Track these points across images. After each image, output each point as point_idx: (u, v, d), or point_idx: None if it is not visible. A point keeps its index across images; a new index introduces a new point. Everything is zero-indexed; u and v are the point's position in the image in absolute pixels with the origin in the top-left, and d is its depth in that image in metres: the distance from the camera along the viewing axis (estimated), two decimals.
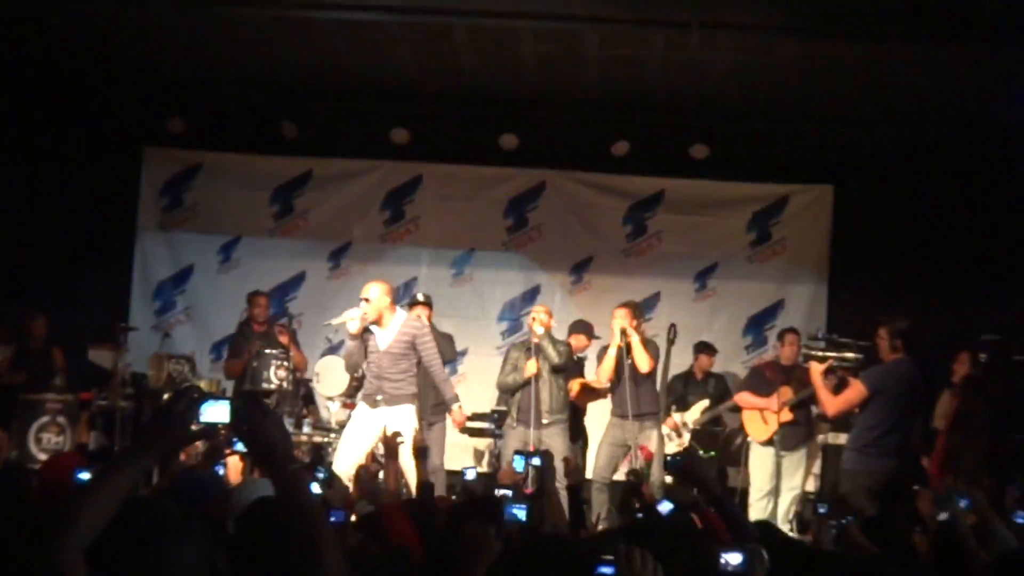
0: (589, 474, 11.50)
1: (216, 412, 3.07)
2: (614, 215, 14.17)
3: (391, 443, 7.57)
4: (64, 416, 12.15)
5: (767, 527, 5.78)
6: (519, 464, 6.98)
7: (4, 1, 10.76)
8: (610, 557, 3.31)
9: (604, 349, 11.37)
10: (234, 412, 3.04)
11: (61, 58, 12.59)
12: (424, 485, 7.11)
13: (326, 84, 13.04)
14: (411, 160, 14.09)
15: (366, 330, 10.01)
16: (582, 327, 12.14)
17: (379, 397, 9.95)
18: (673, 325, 11.73)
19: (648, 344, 11.17)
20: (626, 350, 10.97)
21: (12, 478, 6.05)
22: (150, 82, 13.23)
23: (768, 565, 4.80)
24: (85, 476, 5.02)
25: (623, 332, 10.97)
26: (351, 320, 9.98)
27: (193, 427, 3.09)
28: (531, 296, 14.10)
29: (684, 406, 12.58)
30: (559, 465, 8.93)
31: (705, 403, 12.48)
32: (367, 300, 9.97)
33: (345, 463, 9.63)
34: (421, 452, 7.60)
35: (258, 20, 11.21)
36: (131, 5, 10.67)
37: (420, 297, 11.73)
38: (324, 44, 11.77)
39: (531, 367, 10.93)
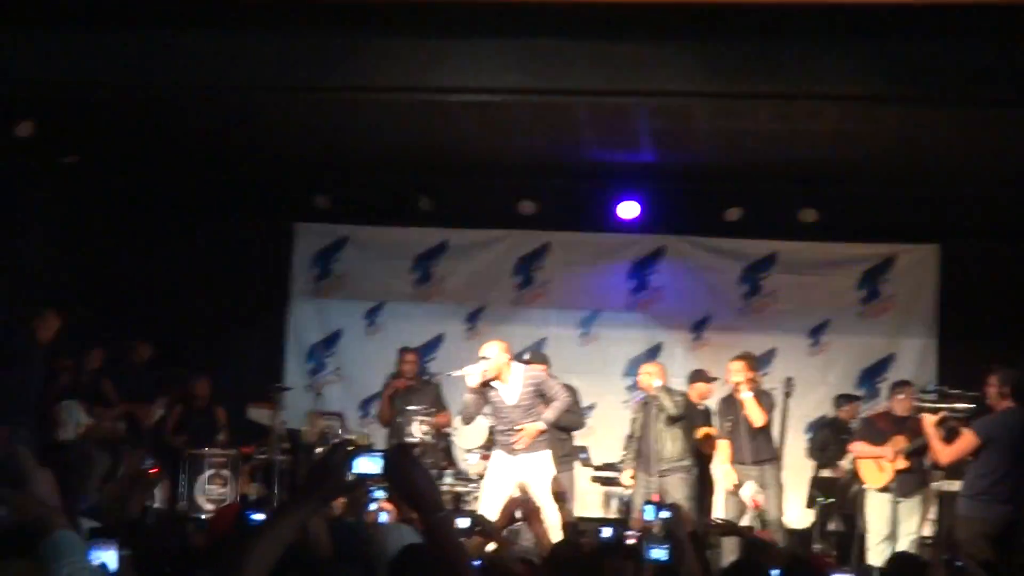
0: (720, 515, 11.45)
1: (369, 463, 3.10)
2: (730, 276, 14.12)
3: (560, 490, 7.57)
4: (227, 469, 12.37)
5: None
6: (650, 513, 6.92)
7: (172, 94, 11.03)
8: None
9: (724, 400, 11.34)
10: (386, 463, 3.07)
11: (220, 145, 12.90)
12: (570, 526, 7.09)
13: (458, 160, 13.19)
14: (538, 229, 14.19)
15: (485, 385, 10.06)
16: (699, 375, 12.17)
17: (518, 446, 9.98)
18: (790, 378, 11.62)
19: (762, 396, 11.09)
20: (739, 404, 10.95)
21: (182, 527, 6.15)
22: (299, 163, 13.50)
23: None
24: (257, 516, 5.09)
25: (736, 385, 10.97)
26: (471, 375, 10.05)
27: (348, 478, 3.12)
28: (653, 352, 14.04)
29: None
30: None
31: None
32: (486, 358, 10.05)
33: (490, 509, 9.66)
34: (560, 496, 7.57)
35: (396, 104, 11.40)
36: (280, 93, 10.88)
37: (526, 356, 11.74)
38: (456, 124, 11.93)
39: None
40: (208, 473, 12.32)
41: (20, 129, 11.48)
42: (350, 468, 3.12)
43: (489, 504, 9.84)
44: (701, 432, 11.77)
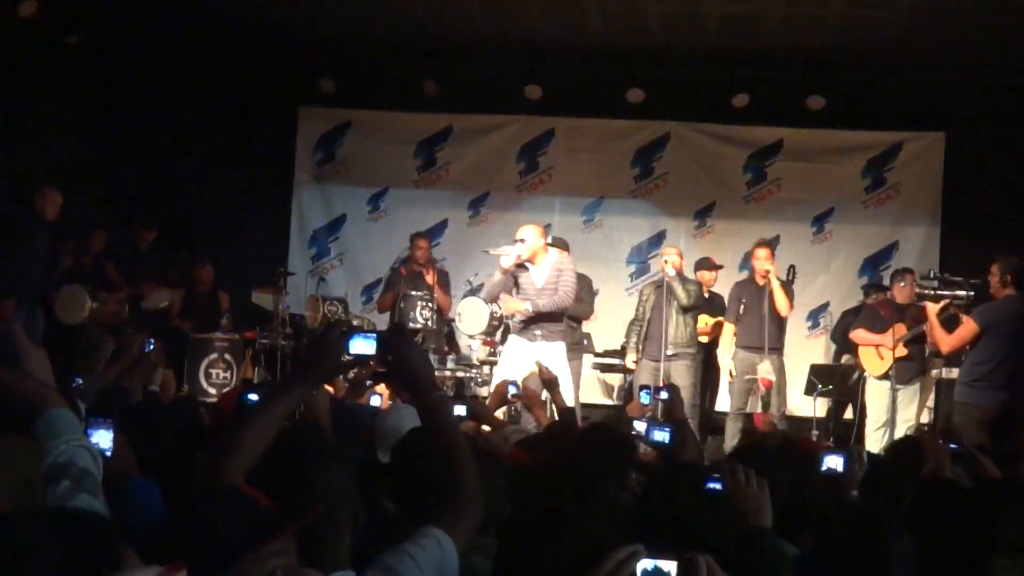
0: (724, 406, 11.50)
1: (364, 344, 3.09)
2: (735, 164, 14.03)
3: (550, 378, 7.61)
4: (230, 354, 12.40)
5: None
6: (645, 398, 6.94)
7: None
8: (718, 474, 3.37)
9: (738, 284, 11.36)
10: (381, 343, 3.05)
11: (223, 27, 12.74)
12: (567, 411, 7.12)
13: (464, 45, 13.05)
14: (544, 115, 14.07)
15: (519, 266, 10.03)
16: (706, 263, 12.16)
17: (538, 332, 9.98)
18: (792, 266, 11.60)
19: (786, 286, 11.10)
20: (767, 290, 10.93)
21: (185, 409, 6.17)
22: (303, 46, 13.37)
23: (866, 466, 4.73)
24: (253, 397, 5.10)
25: (766, 275, 10.94)
26: (506, 256, 9.98)
27: (344, 358, 3.11)
28: (657, 240, 14.05)
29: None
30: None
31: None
32: (523, 240, 9.98)
33: None
34: (551, 383, 7.60)
35: None
36: None
37: (550, 239, 11.68)
38: (462, 6, 11.76)
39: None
40: (212, 357, 12.36)
41: (22, 9, 11.33)
42: (346, 349, 3.11)
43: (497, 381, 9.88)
44: (707, 321, 11.80)
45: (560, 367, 9.48)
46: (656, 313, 11.06)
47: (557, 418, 7.28)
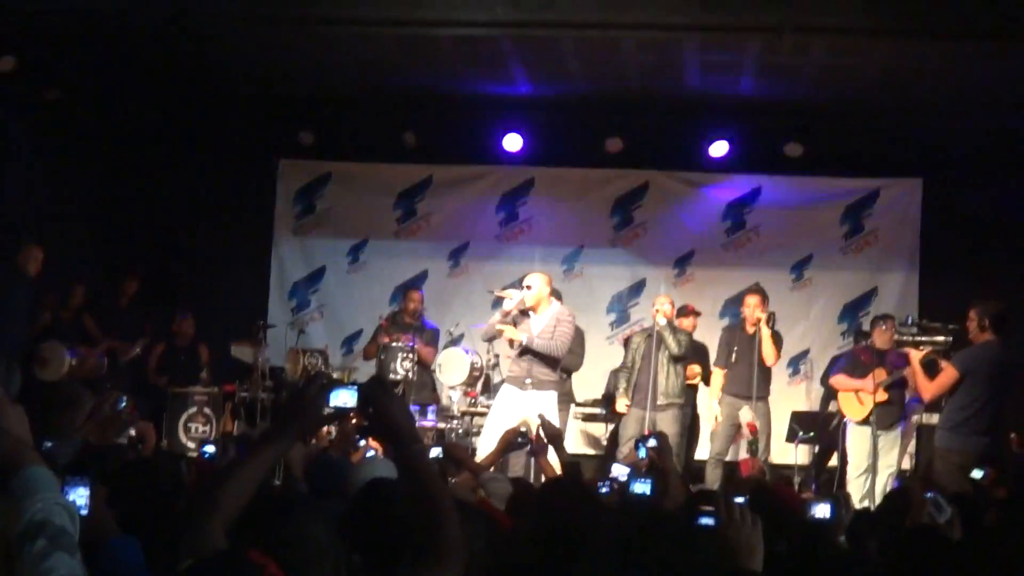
0: (703, 453, 11.50)
1: (345, 397, 3.07)
2: (713, 211, 14.05)
3: (555, 432, 7.56)
4: (210, 407, 12.36)
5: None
6: (643, 452, 6.88)
7: (152, 24, 10.89)
8: (710, 508, 3.24)
9: (728, 330, 11.39)
10: (362, 396, 3.04)
11: (204, 79, 12.77)
12: (570, 465, 7.10)
13: (444, 96, 13.09)
14: (523, 165, 14.09)
15: (522, 313, 10.07)
16: (684, 310, 12.19)
17: (528, 380, 10.01)
18: (772, 313, 11.61)
19: (776, 338, 11.16)
20: (756, 338, 10.96)
21: (166, 465, 6.11)
22: (284, 99, 13.39)
23: (852, 512, 4.73)
24: (210, 449, 5.06)
25: (757, 323, 10.98)
26: (510, 299, 10.03)
27: (325, 411, 3.10)
28: (637, 289, 14.05)
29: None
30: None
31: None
32: (529, 287, 10.03)
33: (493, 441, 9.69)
34: (555, 438, 7.56)
35: (381, 38, 11.30)
36: (264, 24, 10.74)
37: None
38: (443, 60, 11.83)
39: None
40: (191, 411, 12.31)
41: (1, 64, 11.35)
42: (326, 402, 3.10)
43: (492, 436, 9.84)
44: (694, 370, 11.81)
45: (551, 417, 9.50)
46: (645, 362, 11.08)
47: (560, 470, 7.27)
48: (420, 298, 12.61)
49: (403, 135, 13.60)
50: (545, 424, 7.65)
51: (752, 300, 11.15)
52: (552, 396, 10.01)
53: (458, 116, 13.50)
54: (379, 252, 14.45)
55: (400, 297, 12.48)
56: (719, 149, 13.32)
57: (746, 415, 10.90)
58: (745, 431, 10.85)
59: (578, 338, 11.42)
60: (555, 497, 4.78)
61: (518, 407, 9.94)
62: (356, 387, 3.06)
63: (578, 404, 12.86)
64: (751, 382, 10.83)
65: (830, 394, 12.11)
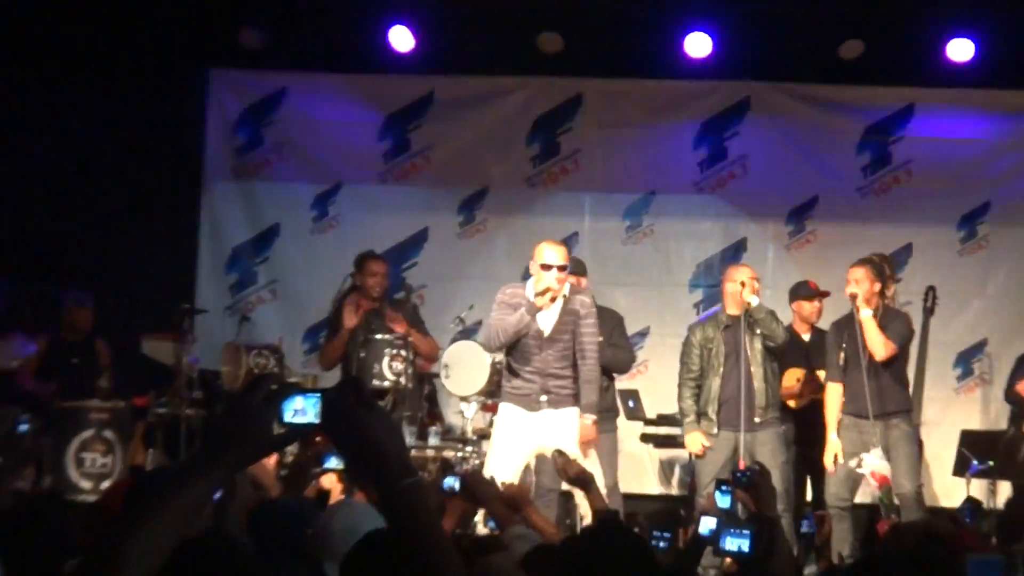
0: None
1: (304, 408, 3.05)
2: (845, 141, 14.02)
3: (580, 474, 7.56)
4: (112, 429, 12.33)
5: None
6: (724, 500, 6.80)
7: None
8: None
9: (837, 325, 11.26)
10: (329, 407, 3.01)
11: None
12: (605, 516, 7.06)
13: None
14: (567, 75, 14.08)
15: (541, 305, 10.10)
16: (804, 290, 12.05)
17: (543, 398, 10.11)
18: (931, 288, 11.55)
19: (893, 318, 11.03)
20: (859, 327, 10.88)
21: (47, 514, 6.06)
22: None
23: None
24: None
25: (853, 300, 10.90)
26: (551, 290, 10.01)
27: (274, 430, 3.08)
28: (734, 254, 14.05)
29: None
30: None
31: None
32: (557, 266, 10.01)
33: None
34: (583, 482, 7.55)
35: None
36: None
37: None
38: None
39: (694, 444, 10.87)
40: (86, 435, 12.29)
41: None
42: (278, 416, 3.07)
43: (496, 476, 9.82)
44: (798, 376, 11.75)
45: (573, 444, 9.62)
46: (731, 363, 11.04)
47: (590, 522, 7.26)
48: (383, 271, 12.45)
49: (392, 32, 13.57)
50: (564, 467, 7.67)
51: (855, 273, 11.03)
52: (572, 414, 10.13)
53: (471, 5, 13.47)
54: (357, 202, 14.50)
55: (359, 269, 12.35)
56: (852, 49, 13.27)
57: (872, 461, 10.78)
58: (870, 481, 10.76)
59: (613, 320, 11.51)
60: (577, 557, 4.76)
61: (528, 434, 10.07)
62: (320, 394, 3.03)
63: (648, 422, 12.84)
64: (870, 394, 10.76)
65: (1019, 408, 12.06)
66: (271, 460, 7.42)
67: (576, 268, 11.29)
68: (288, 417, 3.04)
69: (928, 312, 11.41)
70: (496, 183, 14.41)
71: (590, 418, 10.21)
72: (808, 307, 12.07)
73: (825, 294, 12.15)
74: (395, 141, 14.45)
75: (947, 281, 12.57)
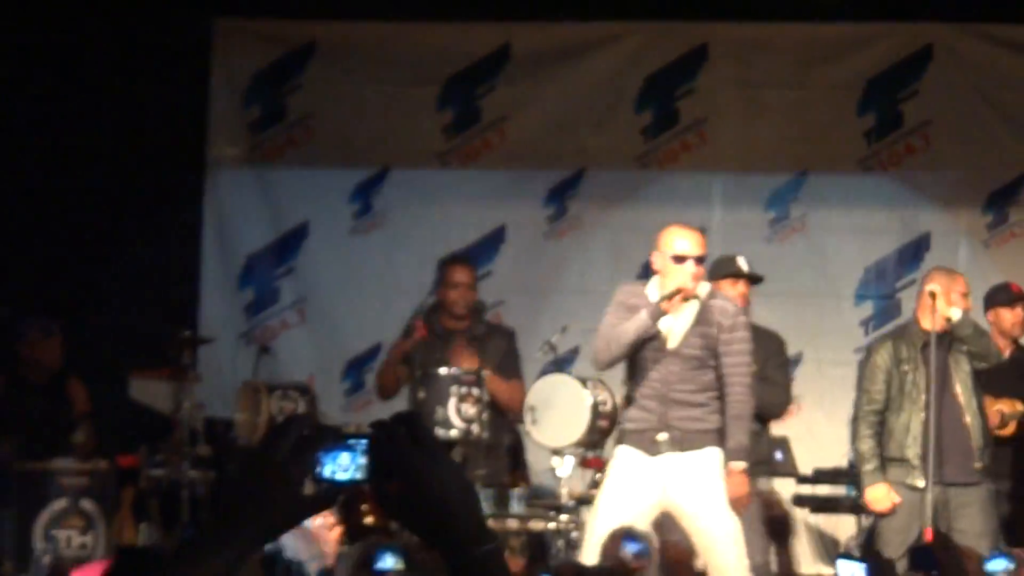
0: None
1: (348, 460, 3.06)
2: None
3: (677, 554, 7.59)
4: (92, 498, 12.42)
5: None
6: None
7: None
8: None
9: None
10: (377, 454, 3.03)
11: None
12: None
13: None
14: (687, 19, 14.12)
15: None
16: (1005, 296, 12.00)
17: (662, 436, 10.03)
18: None
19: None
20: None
21: None
22: None
23: None
24: None
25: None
26: (683, 290, 10.00)
27: (309, 488, 3.10)
28: (915, 253, 13.99)
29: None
30: None
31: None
32: (700, 260, 10.02)
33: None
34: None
35: None
36: None
37: (744, 266, 11.63)
38: None
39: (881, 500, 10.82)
40: (56, 507, 12.40)
41: None
42: (315, 469, 3.10)
43: (601, 537, 9.76)
44: (997, 405, 11.72)
45: (716, 497, 9.59)
46: (930, 399, 10.99)
47: None
48: (472, 279, 12.52)
49: None
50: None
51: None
52: (713, 457, 10.05)
53: None
54: (412, 192, 14.58)
55: (439, 278, 12.40)
56: None
57: None
58: None
59: (772, 345, 11.47)
60: None
61: (645, 485, 10.01)
62: (367, 440, 3.05)
63: (802, 479, 12.82)
64: None
65: None
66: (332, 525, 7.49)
67: (746, 272, 11.31)
68: (327, 472, 3.06)
69: None
70: (595, 164, 14.43)
71: (740, 465, 10.07)
72: (1010, 316, 12.01)
73: None
74: (460, 111, 14.49)
75: None
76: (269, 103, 14.64)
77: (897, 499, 10.89)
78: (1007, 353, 11.86)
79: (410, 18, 14.30)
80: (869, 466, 11.05)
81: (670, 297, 9.90)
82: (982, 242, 14.00)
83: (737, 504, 10.04)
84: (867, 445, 11.10)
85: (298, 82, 14.61)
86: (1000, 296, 12.07)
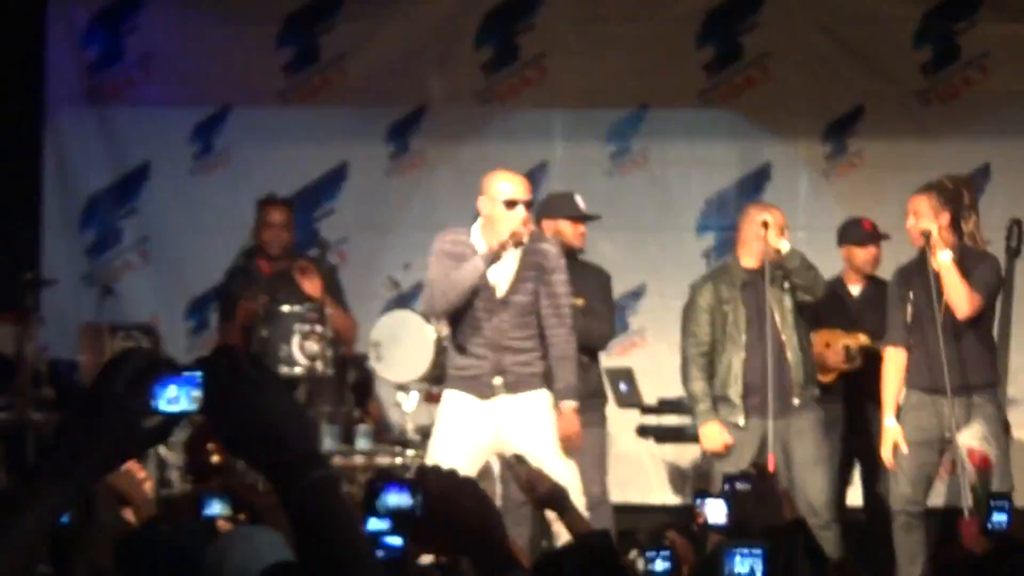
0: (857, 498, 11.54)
1: (184, 391, 3.06)
2: (899, 30, 14.07)
3: (551, 490, 7.50)
4: None
5: None
6: (717, 511, 6.79)
7: None
8: None
9: (903, 272, 11.30)
10: (211, 383, 3.03)
11: None
12: (596, 539, 7.06)
13: None
14: None
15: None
16: (856, 233, 12.06)
17: (496, 381, 10.04)
18: (1016, 223, 11.63)
19: (977, 262, 11.04)
20: (933, 276, 10.88)
21: None
22: None
23: None
24: None
25: (927, 239, 10.87)
26: (517, 234, 9.95)
27: (147, 420, 3.09)
28: (755, 184, 14.10)
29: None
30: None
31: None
32: (529, 204, 10.01)
33: None
34: (556, 499, 7.52)
35: None
36: None
37: (581, 204, 11.61)
38: None
39: (713, 440, 10.94)
40: None
41: None
42: (151, 401, 3.09)
43: None
44: (848, 344, 11.79)
45: (550, 438, 9.62)
46: (755, 330, 11.05)
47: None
48: (287, 219, 12.49)
49: None
50: (526, 478, 7.55)
51: (919, 204, 11.02)
52: (541, 400, 10.10)
53: None
54: (253, 131, 14.56)
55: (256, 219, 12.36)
56: None
57: (969, 439, 10.85)
58: (965, 466, 10.81)
59: (602, 286, 11.51)
60: None
61: (480, 430, 10.03)
62: (201, 370, 3.05)
63: (645, 409, 12.89)
64: (947, 361, 10.74)
65: None
66: (142, 473, 7.41)
67: (581, 213, 11.37)
68: (163, 404, 3.06)
69: (1013, 253, 11.39)
70: (436, 100, 14.43)
71: (570, 405, 10.07)
72: (862, 254, 12.04)
73: (883, 236, 12.15)
74: (299, 49, 14.45)
75: None
76: (107, 43, 14.53)
77: (729, 439, 11.00)
78: (857, 290, 11.96)
79: None
80: (702, 406, 11.16)
81: (505, 244, 9.88)
82: (822, 172, 14.09)
83: (570, 442, 10.07)
84: (698, 386, 11.19)
85: (136, 22, 14.49)
86: (853, 233, 12.10)
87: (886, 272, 11.83)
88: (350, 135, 14.42)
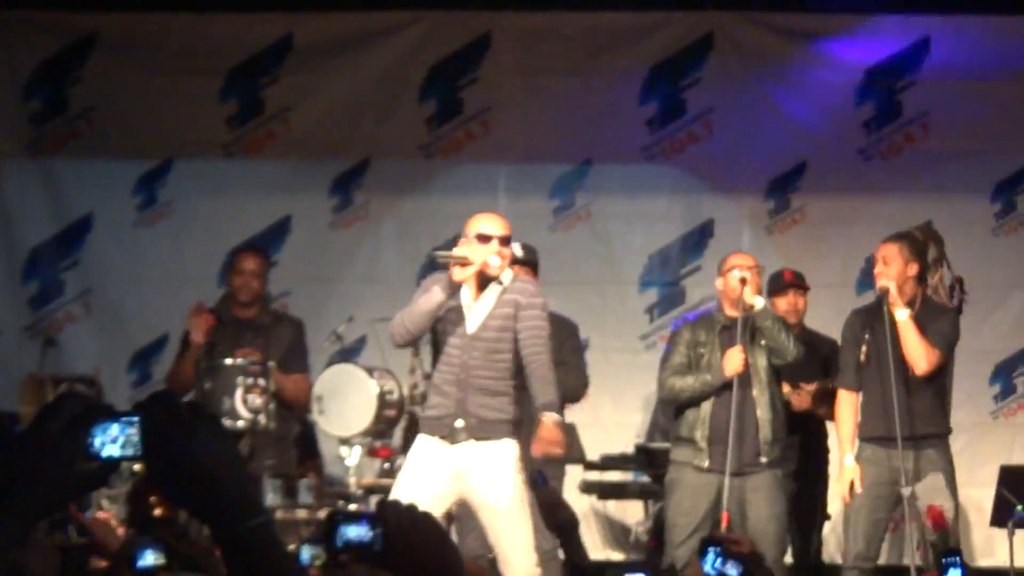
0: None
1: (121, 435, 3.04)
2: (842, 88, 14.14)
3: (556, 511, 7.54)
4: None
5: None
6: (711, 564, 6.79)
7: None
8: None
9: (858, 315, 11.31)
10: (147, 428, 3.01)
11: None
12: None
13: None
14: (470, 7, 14.19)
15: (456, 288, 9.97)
16: (787, 281, 12.05)
17: (459, 424, 9.93)
18: (958, 281, 11.65)
19: (936, 316, 11.08)
20: (891, 329, 10.89)
21: None
22: None
23: None
24: None
25: (885, 295, 10.91)
26: (465, 264, 9.84)
27: (82, 465, 3.08)
28: (698, 240, 14.13)
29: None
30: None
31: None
32: (501, 240, 9.90)
33: None
34: (566, 531, 7.55)
35: None
36: None
37: (518, 252, 11.57)
38: None
39: (734, 360, 10.75)
40: None
41: None
42: (87, 446, 3.08)
43: None
44: (805, 393, 11.78)
45: (510, 493, 9.56)
46: (724, 388, 11.00)
47: None
48: (260, 267, 12.46)
49: None
50: (548, 497, 7.63)
51: (891, 251, 11.06)
52: (508, 450, 9.98)
53: None
54: (197, 183, 14.54)
55: (229, 267, 12.34)
56: None
57: (927, 493, 10.81)
58: (924, 522, 10.78)
59: (571, 336, 11.51)
60: None
61: (442, 477, 9.92)
62: (138, 415, 3.03)
63: (589, 465, 12.87)
64: (899, 411, 10.73)
65: None
66: (114, 521, 7.37)
67: (528, 258, 11.30)
68: (100, 448, 3.04)
69: (955, 311, 11.44)
70: (380, 154, 14.45)
71: (553, 416, 9.82)
72: (782, 304, 12.02)
73: (802, 286, 12.14)
74: (243, 102, 14.46)
75: (979, 270, 12.59)
76: (50, 95, 14.54)
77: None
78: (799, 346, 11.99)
79: (192, 9, 14.24)
80: (703, 375, 11.04)
81: (455, 263, 9.72)
82: (765, 228, 14.11)
83: (552, 450, 9.92)
84: (684, 380, 11.08)
85: (80, 74, 14.50)
86: (772, 284, 12.13)
87: (816, 322, 11.99)
88: (294, 188, 14.43)
